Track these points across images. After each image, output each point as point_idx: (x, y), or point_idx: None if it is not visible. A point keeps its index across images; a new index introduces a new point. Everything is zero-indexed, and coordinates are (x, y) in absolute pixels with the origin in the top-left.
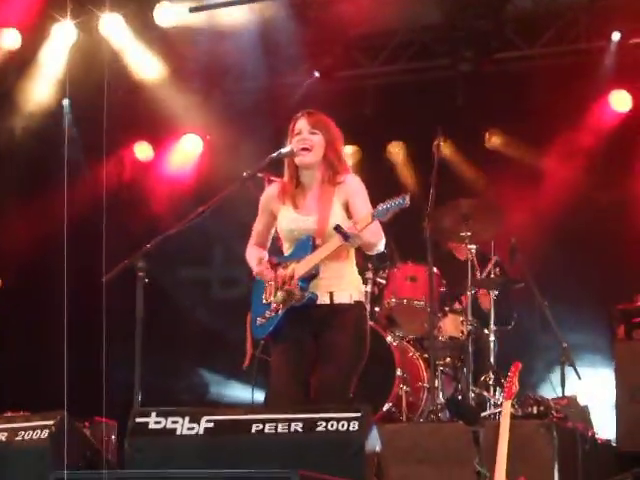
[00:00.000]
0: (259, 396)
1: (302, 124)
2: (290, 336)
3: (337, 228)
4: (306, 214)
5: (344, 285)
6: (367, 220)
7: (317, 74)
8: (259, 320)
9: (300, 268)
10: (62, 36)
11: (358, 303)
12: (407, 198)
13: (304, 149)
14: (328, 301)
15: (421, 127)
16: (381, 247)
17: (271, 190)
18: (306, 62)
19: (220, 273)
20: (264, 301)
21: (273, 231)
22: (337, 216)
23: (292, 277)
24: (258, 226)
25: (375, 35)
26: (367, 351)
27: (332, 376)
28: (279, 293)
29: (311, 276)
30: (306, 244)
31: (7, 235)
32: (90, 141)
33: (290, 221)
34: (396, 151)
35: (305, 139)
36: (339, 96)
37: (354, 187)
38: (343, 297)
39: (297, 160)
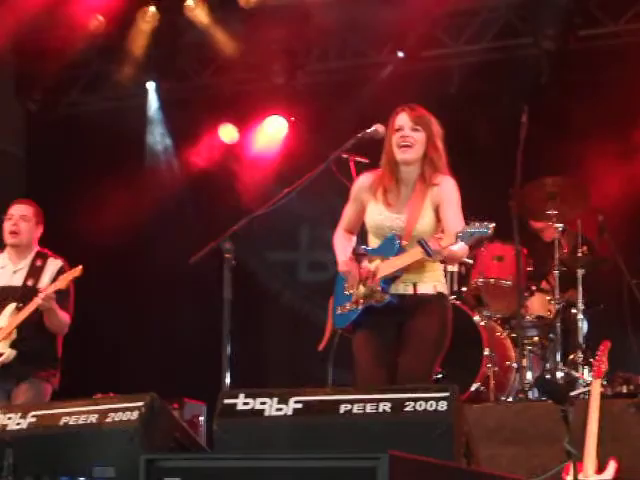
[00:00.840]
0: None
1: (404, 119)
2: (372, 325)
3: (421, 243)
4: (396, 212)
5: (427, 277)
6: (451, 240)
7: (401, 54)
8: (339, 309)
9: (383, 269)
10: (146, 20)
11: (441, 294)
12: (491, 229)
13: (405, 146)
14: (412, 292)
15: (506, 105)
16: (464, 260)
17: (364, 180)
18: (390, 42)
19: (307, 256)
20: (346, 292)
21: (362, 219)
22: (427, 219)
23: (375, 275)
24: (348, 212)
25: (459, 14)
26: (449, 340)
27: (414, 364)
28: (361, 287)
29: (393, 278)
30: (392, 243)
31: (95, 220)
32: (176, 124)
33: (378, 216)
34: (481, 130)
35: (407, 136)
36: (423, 76)
37: (448, 193)
38: (426, 288)
39: (398, 157)
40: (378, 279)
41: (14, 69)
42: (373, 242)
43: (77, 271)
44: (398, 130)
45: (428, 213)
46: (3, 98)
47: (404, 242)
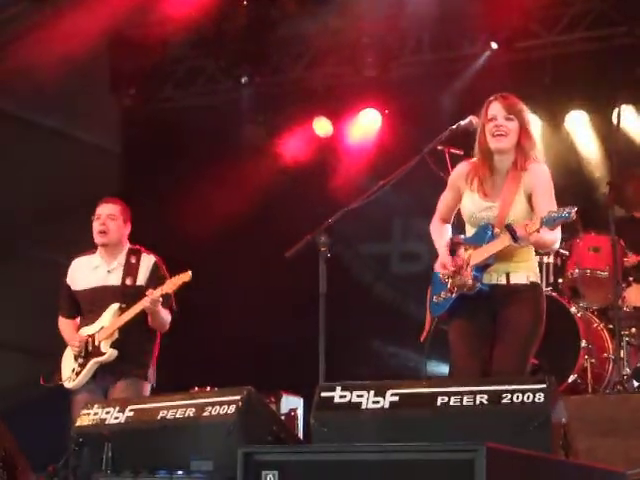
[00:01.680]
0: (437, 369)
1: (497, 109)
2: (466, 314)
3: (508, 227)
4: (490, 200)
5: (520, 267)
6: (536, 225)
7: (495, 45)
8: (435, 298)
9: (476, 256)
10: (237, 13)
11: (535, 284)
12: (573, 213)
13: (499, 135)
14: (505, 282)
15: (601, 96)
16: (555, 248)
17: (461, 168)
18: (484, 33)
19: (399, 248)
20: (442, 281)
21: (458, 207)
22: (520, 207)
23: (468, 263)
24: (444, 201)
25: (552, 4)
26: (543, 330)
27: (510, 351)
28: (456, 276)
29: (485, 266)
30: (485, 231)
31: (190, 216)
32: (269, 118)
33: (473, 205)
34: (576, 121)
35: (500, 125)
36: (517, 67)
37: (540, 180)
38: (519, 278)
39: (492, 145)
40: (471, 267)
41: (109, 65)
42: (469, 231)
43: (186, 276)
44: (491, 120)
45: (521, 201)
46: (99, 93)
47: (497, 230)
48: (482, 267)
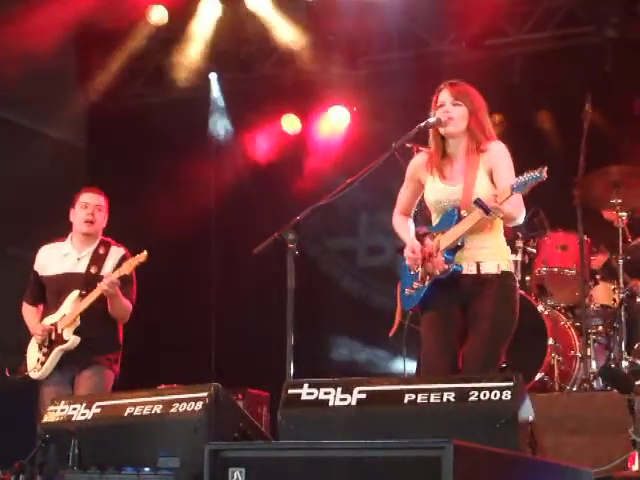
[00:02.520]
0: (409, 366)
1: (445, 96)
2: (438, 306)
3: (477, 201)
4: (452, 184)
5: (491, 255)
6: (506, 193)
7: (463, 43)
8: (407, 291)
9: (445, 240)
10: (208, 11)
11: (506, 273)
12: (544, 172)
13: (448, 119)
14: (475, 271)
15: (569, 94)
16: (520, 220)
17: (418, 159)
18: (452, 31)
19: (365, 242)
20: (412, 272)
21: (418, 199)
22: (482, 185)
23: (438, 249)
24: (404, 194)
25: (521, 3)
26: (516, 321)
27: (481, 346)
28: (426, 264)
29: (456, 248)
30: (452, 215)
31: (157, 211)
32: (238, 115)
33: (437, 192)
34: (544, 119)
35: (448, 111)
36: (486, 65)
37: (499, 155)
38: (490, 267)
39: (442, 130)
40: (441, 252)
41: (76, 60)
42: (435, 219)
43: (142, 257)
44: (440, 106)
45: (483, 179)
46: (65, 89)
47: (463, 211)
48: (453, 249)
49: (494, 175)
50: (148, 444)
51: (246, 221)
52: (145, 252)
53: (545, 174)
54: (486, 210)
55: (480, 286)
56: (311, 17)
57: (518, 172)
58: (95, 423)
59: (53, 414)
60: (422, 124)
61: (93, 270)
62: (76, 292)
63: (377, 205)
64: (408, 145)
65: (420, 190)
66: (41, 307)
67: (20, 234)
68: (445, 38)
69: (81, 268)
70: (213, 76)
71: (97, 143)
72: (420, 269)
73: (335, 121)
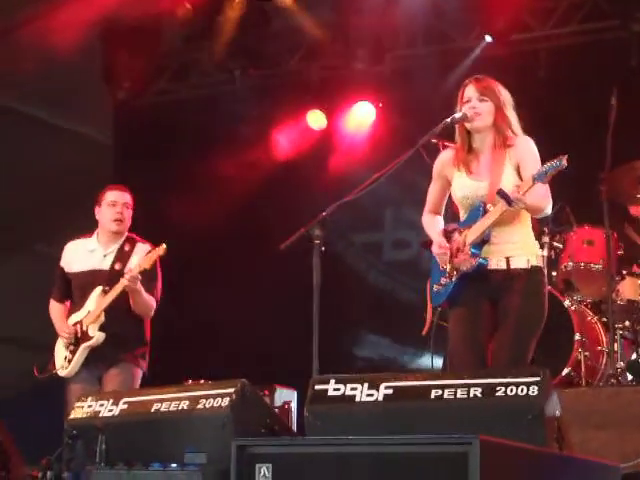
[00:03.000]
0: (437, 362)
1: (471, 91)
2: (467, 301)
3: (500, 192)
4: (479, 179)
5: (520, 250)
6: (528, 183)
7: (489, 38)
8: (436, 287)
9: (471, 234)
10: (234, 6)
11: (536, 268)
12: (564, 160)
13: (474, 114)
14: (505, 266)
15: (595, 89)
16: (548, 211)
17: (445, 155)
18: (477, 26)
19: (391, 235)
20: (440, 268)
21: (447, 196)
22: (509, 180)
23: (465, 243)
24: (432, 192)
25: None
26: (545, 316)
27: (510, 341)
28: (453, 259)
29: (482, 242)
30: (478, 210)
31: (183, 208)
32: (264, 111)
33: (464, 187)
34: (570, 114)
35: (475, 107)
36: (511, 60)
37: (525, 149)
38: (520, 262)
39: (468, 125)
40: (468, 246)
41: (102, 57)
42: (463, 215)
43: (161, 250)
44: (467, 102)
45: (509, 174)
46: (91, 86)
47: (488, 206)
48: (479, 244)
49: (521, 169)
50: (175, 440)
51: (272, 217)
52: (164, 245)
53: (565, 162)
54: (508, 201)
55: (510, 281)
56: (336, 12)
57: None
58: (122, 419)
59: (80, 410)
60: (448, 120)
61: (117, 266)
62: (99, 288)
63: (402, 200)
64: (434, 141)
65: (448, 187)
66: (68, 304)
67: (48, 231)
68: (470, 33)
69: (107, 265)
70: (238, 72)
71: (123, 139)
72: (448, 265)
73: (360, 117)
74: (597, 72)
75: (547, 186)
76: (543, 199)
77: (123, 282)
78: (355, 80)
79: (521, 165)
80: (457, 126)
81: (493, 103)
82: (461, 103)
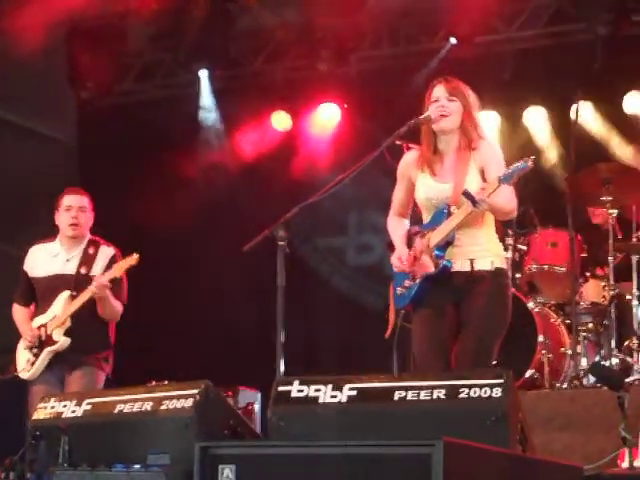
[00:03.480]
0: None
1: (440, 91)
2: (430, 303)
3: (465, 193)
4: (443, 181)
5: (484, 252)
6: (494, 185)
7: (454, 40)
8: (399, 290)
9: (435, 237)
10: (198, 7)
11: (500, 270)
12: (530, 161)
13: (442, 115)
14: (469, 268)
15: (559, 91)
16: (514, 213)
17: (409, 157)
18: (443, 28)
19: (355, 240)
20: (403, 271)
21: (413, 198)
22: (473, 182)
23: (428, 246)
24: (398, 194)
25: (511, 0)
26: (509, 318)
27: (474, 343)
28: (417, 262)
29: (446, 244)
30: (442, 212)
31: (147, 209)
32: (228, 112)
33: (427, 189)
34: (534, 116)
35: (443, 106)
36: (477, 62)
37: (490, 153)
38: (484, 264)
39: (435, 127)
40: (431, 249)
41: (67, 57)
42: (426, 217)
43: (133, 260)
44: (435, 101)
45: (474, 176)
46: (55, 86)
47: (453, 207)
48: (443, 246)
49: (485, 172)
50: (138, 441)
51: (236, 219)
52: (136, 255)
53: (531, 163)
54: (473, 202)
55: (473, 283)
56: (301, 13)
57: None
58: (85, 420)
59: (43, 411)
60: (412, 121)
61: (83, 270)
62: (67, 293)
63: (367, 204)
64: (398, 143)
65: (413, 188)
66: (32, 307)
67: (10, 232)
68: (436, 35)
69: (71, 269)
70: (203, 73)
71: (88, 140)
72: (411, 268)
73: (325, 118)
74: (562, 75)
75: (512, 188)
76: (509, 201)
77: (91, 289)
78: (320, 81)
79: (486, 168)
80: (423, 127)
81: (461, 104)
82: (428, 102)
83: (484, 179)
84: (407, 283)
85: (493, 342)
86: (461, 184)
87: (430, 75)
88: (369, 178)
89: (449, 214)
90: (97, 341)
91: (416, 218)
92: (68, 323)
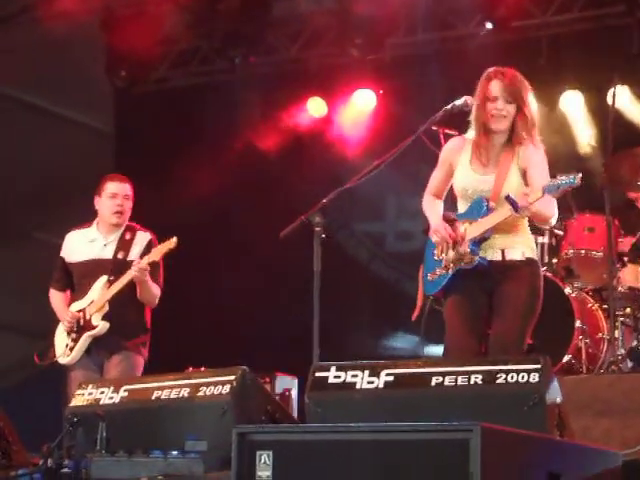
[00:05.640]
0: (432, 349)
1: (498, 89)
2: (462, 291)
3: (508, 198)
4: (483, 173)
5: (515, 243)
6: (538, 194)
7: (490, 25)
8: (430, 276)
9: (472, 231)
10: None
11: (530, 259)
12: (578, 178)
13: (501, 116)
14: (500, 258)
15: (597, 76)
16: (552, 223)
17: (453, 144)
18: (478, 14)
19: (394, 226)
20: (436, 257)
21: (450, 183)
22: (514, 180)
23: (464, 238)
24: (436, 177)
25: None
26: (540, 305)
27: (506, 329)
28: (450, 252)
29: (482, 239)
30: (480, 205)
31: (183, 196)
32: (265, 98)
33: (466, 179)
34: (571, 101)
35: (501, 109)
36: (512, 47)
37: (535, 156)
38: (515, 254)
39: (492, 126)
40: (467, 242)
41: (102, 45)
42: (462, 206)
43: (172, 243)
44: (493, 100)
45: (515, 174)
46: (92, 74)
47: (492, 203)
48: (479, 241)
49: (528, 174)
50: (175, 428)
51: (272, 205)
52: (174, 238)
53: (579, 180)
54: (515, 208)
55: (504, 272)
56: (336, 0)
57: (550, 163)
58: (123, 407)
59: (81, 398)
60: (448, 107)
61: (120, 255)
62: (104, 278)
63: (405, 190)
64: (434, 128)
65: (452, 174)
66: (69, 293)
67: (48, 219)
68: (471, 20)
69: (108, 254)
70: (239, 60)
71: (124, 128)
72: (444, 255)
73: (361, 104)
74: (598, 59)
75: (554, 199)
76: (549, 212)
77: (131, 273)
78: (355, 67)
79: (529, 171)
80: (478, 123)
81: (517, 105)
82: (485, 98)
83: (524, 179)
84: (438, 271)
85: (526, 328)
86: (502, 179)
87: (466, 60)
88: (407, 164)
89: (488, 210)
90: (135, 326)
91: (450, 204)
92: (106, 308)
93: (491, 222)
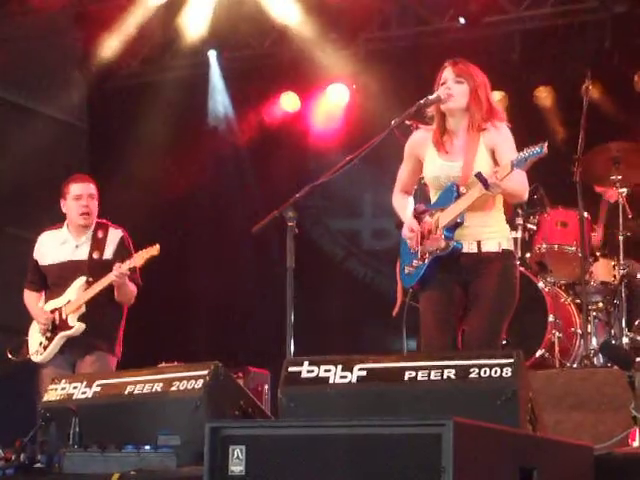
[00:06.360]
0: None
1: (447, 73)
2: (438, 284)
3: (478, 175)
4: (452, 160)
5: (492, 234)
6: (507, 169)
7: (463, 20)
8: (407, 269)
9: (444, 217)
10: None
11: (507, 251)
12: (545, 147)
13: (448, 95)
14: (476, 250)
15: (569, 71)
16: (524, 197)
17: (417, 136)
18: (451, 8)
19: (370, 224)
20: (411, 250)
21: (418, 177)
22: (482, 163)
23: (437, 226)
24: (403, 172)
25: None
26: (516, 299)
27: (482, 323)
28: (425, 242)
29: (455, 225)
30: (450, 192)
31: (157, 191)
32: (237, 93)
33: (435, 167)
34: (544, 96)
35: (449, 87)
36: (485, 42)
37: (501, 135)
38: (491, 245)
39: (442, 107)
40: (441, 229)
41: (75, 40)
42: (434, 196)
43: (155, 250)
44: (443, 83)
45: (483, 156)
46: (65, 70)
47: (462, 188)
48: (452, 227)
49: (496, 153)
50: (148, 422)
51: (245, 200)
52: (157, 245)
53: (546, 149)
54: (486, 185)
55: (481, 265)
56: None
57: (519, 149)
58: (96, 402)
59: (54, 393)
60: (422, 101)
61: (96, 255)
62: (82, 279)
63: (381, 187)
64: (408, 122)
65: (419, 167)
66: (43, 294)
67: (21, 214)
68: (444, 16)
69: (83, 255)
70: (212, 54)
71: (97, 123)
72: (419, 247)
73: (335, 99)
74: (571, 54)
75: (524, 173)
76: (520, 186)
77: (111, 277)
78: (328, 62)
79: (497, 150)
80: (433, 107)
81: (469, 86)
82: (438, 84)
83: (494, 160)
84: (415, 263)
85: (501, 323)
86: (470, 164)
87: (439, 55)
88: (383, 160)
89: (458, 194)
90: (110, 326)
91: (423, 197)
92: (83, 309)
93: (462, 206)
